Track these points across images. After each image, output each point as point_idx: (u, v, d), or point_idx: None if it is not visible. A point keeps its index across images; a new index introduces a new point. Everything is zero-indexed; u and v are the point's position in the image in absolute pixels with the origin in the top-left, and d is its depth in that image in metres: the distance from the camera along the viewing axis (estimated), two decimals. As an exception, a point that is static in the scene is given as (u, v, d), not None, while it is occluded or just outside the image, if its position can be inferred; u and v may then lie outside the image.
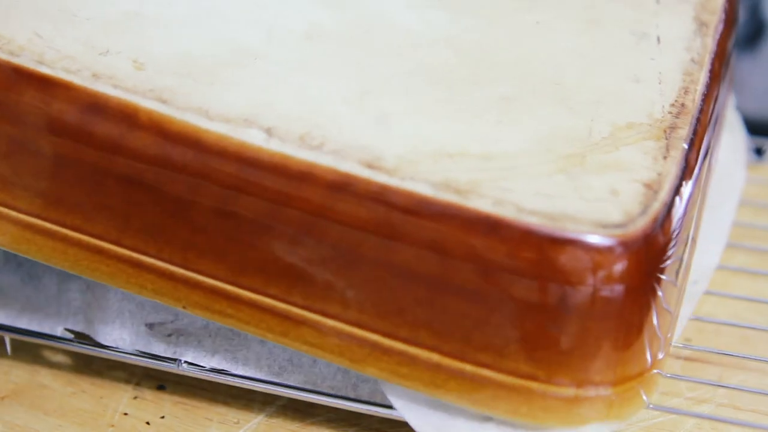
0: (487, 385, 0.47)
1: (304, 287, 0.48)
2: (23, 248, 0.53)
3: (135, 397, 0.57)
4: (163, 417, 0.56)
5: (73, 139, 0.50)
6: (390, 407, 0.51)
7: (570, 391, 0.47)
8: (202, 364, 0.54)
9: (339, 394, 0.52)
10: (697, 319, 0.59)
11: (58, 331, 0.57)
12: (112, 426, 0.55)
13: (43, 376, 0.59)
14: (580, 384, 0.47)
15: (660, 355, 0.49)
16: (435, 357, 0.47)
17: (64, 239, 0.52)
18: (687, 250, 0.51)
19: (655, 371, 0.49)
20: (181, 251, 0.50)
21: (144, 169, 0.49)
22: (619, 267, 0.45)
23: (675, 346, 0.57)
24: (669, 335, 0.50)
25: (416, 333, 0.47)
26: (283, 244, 0.48)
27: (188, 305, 0.51)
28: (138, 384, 0.58)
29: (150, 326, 0.55)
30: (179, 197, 0.49)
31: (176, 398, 0.57)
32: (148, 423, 0.55)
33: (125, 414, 0.56)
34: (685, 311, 0.57)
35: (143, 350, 0.55)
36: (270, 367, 0.53)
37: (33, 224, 0.52)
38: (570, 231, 0.44)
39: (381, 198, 0.46)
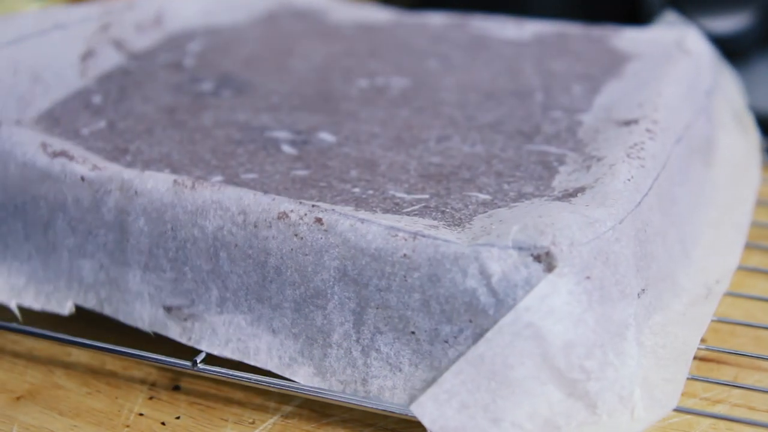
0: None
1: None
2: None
3: (150, 398, 0.57)
4: (178, 417, 0.56)
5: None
6: (405, 407, 0.51)
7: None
8: (214, 353, 0.54)
9: (348, 388, 0.53)
10: (713, 319, 0.58)
11: (66, 306, 0.58)
12: (128, 426, 0.55)
13: (59, 376, 0.59)
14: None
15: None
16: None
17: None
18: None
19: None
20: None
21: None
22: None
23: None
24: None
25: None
26: None
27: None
28: (153, 384, 0.58)
29: (168, 309, 0.55)
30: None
31: (191, 398, 0.57)
32: (163, 423, 0.55)
33: (140, 414, 0.56)
34: (708, 310, 0.56)
35: (160, 332, 0.56)
36: (281, 359, 0.54)
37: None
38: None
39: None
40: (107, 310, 0.57)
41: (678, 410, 0.53)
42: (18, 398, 0.58)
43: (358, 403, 0.52)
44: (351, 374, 0.53)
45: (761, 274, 0.65)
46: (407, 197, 0.56)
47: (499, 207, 0.54)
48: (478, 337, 0.50)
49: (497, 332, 0.49)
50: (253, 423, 0.55)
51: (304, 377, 0.53)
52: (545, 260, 0.49)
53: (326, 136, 0.63)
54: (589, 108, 0.65)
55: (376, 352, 0.52)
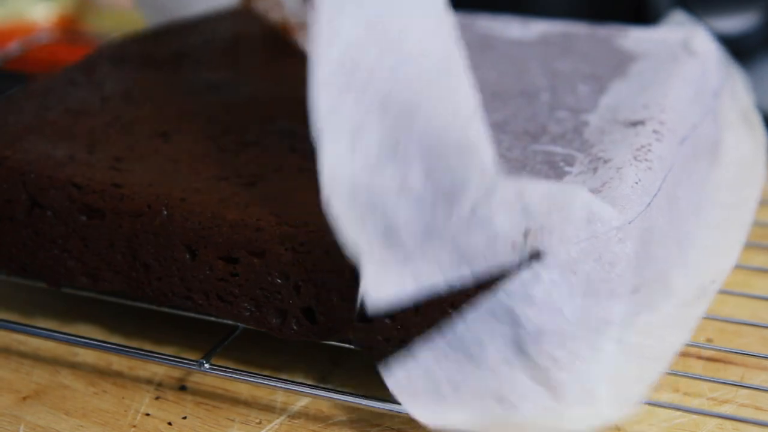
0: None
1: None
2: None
3: (157, 398, 0.57)
4: (185, 417, 0.56)
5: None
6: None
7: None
8: None
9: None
10: (719, 319, 0.58)
11: None
12: (134, 426, 0.55)
13: (65, 376, 0.59)
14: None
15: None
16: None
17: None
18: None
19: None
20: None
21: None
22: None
23: (697, 346, 0.57)
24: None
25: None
26: None
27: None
28: (160, 384, 0.58)
29: None
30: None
31: (198, 399, 0.57)
32: (170, 423, 0.55)
33: (147, 414, 0.56)
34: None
35: None
36: None
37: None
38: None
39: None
40: None
41: (684, 410, 0.53)
42: (24, 398, 0.58)
43: (365, 404, 0.52)
44: None
45: (767, 274, 0.64)
46: (414, 197, 0.56)
47: None
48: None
49: (473, 309, 0.49)
50: (259, 423, 0.55)
51: None
52: (531, 241, 0.49)
53: None
54: (595, 108, 0.64)
55: None
